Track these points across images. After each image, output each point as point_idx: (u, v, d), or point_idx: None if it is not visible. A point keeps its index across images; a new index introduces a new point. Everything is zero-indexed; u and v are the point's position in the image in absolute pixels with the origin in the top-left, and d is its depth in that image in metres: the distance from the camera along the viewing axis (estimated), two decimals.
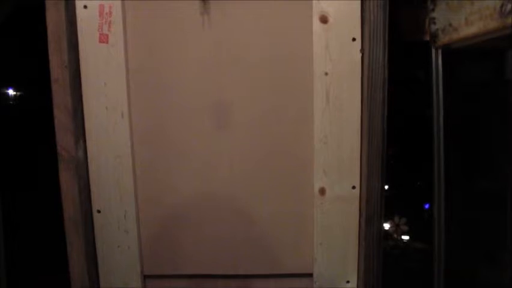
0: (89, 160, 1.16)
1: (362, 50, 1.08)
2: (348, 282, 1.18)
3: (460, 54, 1.21)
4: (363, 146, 1.12)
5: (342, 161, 1.13)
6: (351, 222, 1.15)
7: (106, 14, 1.10)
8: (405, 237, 2.43)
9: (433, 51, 1.17)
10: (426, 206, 2.59)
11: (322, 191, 1.14)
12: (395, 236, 2.44)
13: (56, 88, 1.12)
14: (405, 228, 2.42)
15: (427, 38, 1.22)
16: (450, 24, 1.08)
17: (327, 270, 1.18)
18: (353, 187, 1.14)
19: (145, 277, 1.21)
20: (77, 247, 1.17)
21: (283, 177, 1.16)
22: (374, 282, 1.15)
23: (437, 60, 1.16)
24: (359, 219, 1.15)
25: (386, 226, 2.26)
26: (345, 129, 1.12)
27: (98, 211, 1.17)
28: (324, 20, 1.09)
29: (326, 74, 1.10)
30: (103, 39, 1.11)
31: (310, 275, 1.18)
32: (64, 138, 1.13)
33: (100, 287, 1.20)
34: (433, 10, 1.15)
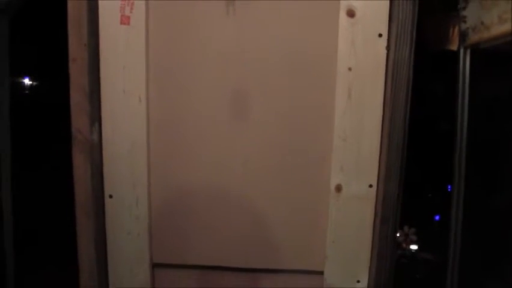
0: (103, 144, 1.14)
1: (388, 47, 1.06)
2: (358, 281, 1.16)
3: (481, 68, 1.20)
4: (383, 144, 1.10)
5: (361, 158, 1.11)
6: (366, 221, 1.13)
7: None
8: (414, 247, 2.42)
9: (461, 50, 1.15)
10: (437, 218, 2.58)
11: (338, 188, 1.12)
12: (404, 245, 2.43)
13: (73, 68, 1.10)
14: (414, 238, 2.41)
15: (447, 46, 1.20)
16: (482, 23, 1.06)
17: (338, 269, 1.16)
18: (370, 186, 1.12)
19: (154, 265, 1.19)
20: (87, 231, 1.15)
21: (299, 172, 1.15)
22: (385, 283, 1.13)
23: (465, 60, 1.14)
24: (374, 219, 1.13)
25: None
26: (365, 127, 1.10)
27: (110, 196, 1.16)
28: (351, 14, 1.07)
29: (350, 69, 1.08)
30: (125, 20, 1.09)
31: (321, 273, 1.17)
32: (79, 119, 1.12)
33: (108, 272, 1.18)
34: (464, 8, 1.13)
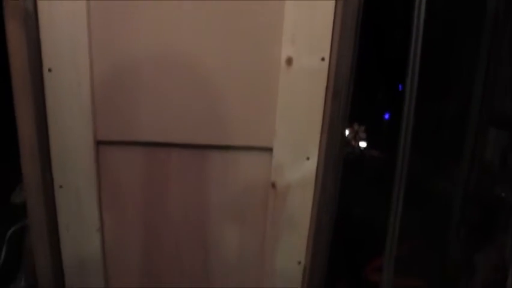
0: (39, 13, 1.06)
1: None
2: (308, 158, 1.15)
3: None
4: (336, 13, 1.05)
5: (313, 29, 1.07)
6: (317, 96, 1.11)
7: None
8: (363, 145, 2.45)
9: None
10: (386, 116, 2.60)
11: (289, 61, 1.08)
12: (353, 142, 2.45)
13: None
14: (363, 135, 2.42)
15: None
16: None
17: (287, 146, 1.14)
18: (322, 59, 1.08)
19: (98, 143, 1.15)
20: (26, 107, 1.09)
21: (248, 44, 1.10)
22: (335, 160, 1.12)
23: None
24: (326, 94, 1.10)
25: (345, 132, 2.25)
26: None
27: (49, 70, 1.09)
28: None
29: None
30: None
31: (270, 150, 1.15)
32: None
33: (51, 150, 1.14)
34: None
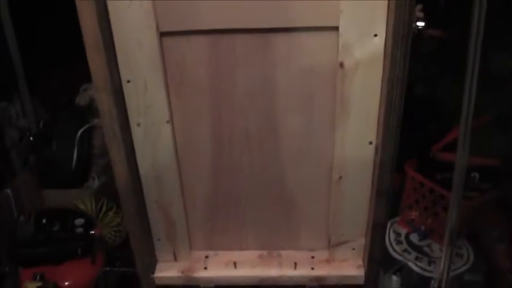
0: None
1: None
2: (375, 35, 1.11)
3: None
4: None
5: None
6: None
7: None
8: (420, 24, 2.35)
9: None
10: None
11: None
12: None
13: None
14: (420, 14, 2.32)
15: None
16: None
17: (354, 23, 1.11)
18: None
19: (161, 34, 1.14)
20: (87, 1, 1.07)
21: None
22: (404, 35, 1.07)
23: None
24: None
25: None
26: None
27: None
28: None
29: None
30: None
31: (336, 29, 1.12)
32: None
33: (115, 45, 1.13)
34: None
